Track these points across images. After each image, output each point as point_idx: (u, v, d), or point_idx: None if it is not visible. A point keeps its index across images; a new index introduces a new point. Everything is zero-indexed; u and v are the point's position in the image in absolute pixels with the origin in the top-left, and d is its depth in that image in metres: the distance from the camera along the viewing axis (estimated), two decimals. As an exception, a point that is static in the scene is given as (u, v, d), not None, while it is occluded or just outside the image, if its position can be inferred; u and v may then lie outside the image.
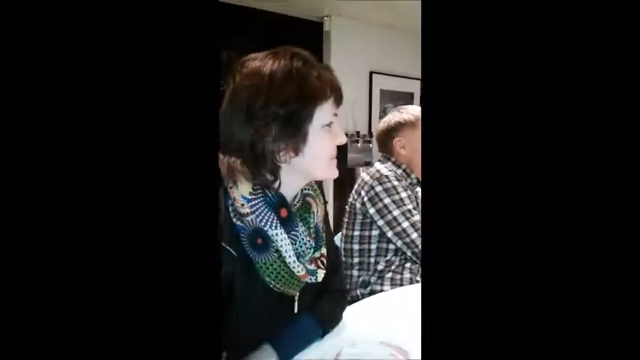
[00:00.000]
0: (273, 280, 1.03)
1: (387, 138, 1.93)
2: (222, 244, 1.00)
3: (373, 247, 1.81)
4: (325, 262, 1.13)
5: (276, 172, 1.01)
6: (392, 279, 1.75)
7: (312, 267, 1.08)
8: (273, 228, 1.00)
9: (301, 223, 1.06)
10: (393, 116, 1.93)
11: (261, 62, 1.00)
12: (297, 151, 1.00)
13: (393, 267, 1.77)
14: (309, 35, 4.57)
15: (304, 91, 0.97)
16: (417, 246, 1.69)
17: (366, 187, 1.79)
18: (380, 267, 1.78)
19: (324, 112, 1.00)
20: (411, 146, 1.86)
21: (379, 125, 1.99)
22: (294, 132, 0.98)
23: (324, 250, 1.13)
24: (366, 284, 1.79)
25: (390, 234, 1.73)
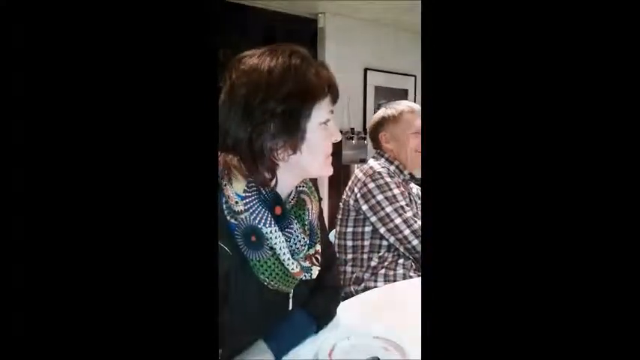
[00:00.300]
0: (268, 278, 1.03)
1: (374, 134, 1.96)
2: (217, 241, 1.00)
3: (366, 243, 1.82)
4: (320, 258, 1.14)
5: (273, 169, 1.02)
6: (385, 275, 1.76)
7: (306, 264, 1.08)
8: (268, 225, 1.00)
9: (296, 221, 1.07)
10: (379, 112, 1.98)
11: (258, 59, 1.00)
12: (295, 149, 1.00)
13: (386, 263, 1.78)
14: (304, 32, 4.57)
15: (303, 88, 0.98)
16: (409, 242, 1.70)
17: (359, 184, 1.80)
18: (373, 263, 1.79)
19: (321, 110, 1.01)
20: (395, 140, 1.89)
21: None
22: (293, 129, 0.98)
23: (318, 247, 1.14)
24: (359, 281, 1.80)
25: (382, 230, 1.74)
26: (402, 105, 1.93)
